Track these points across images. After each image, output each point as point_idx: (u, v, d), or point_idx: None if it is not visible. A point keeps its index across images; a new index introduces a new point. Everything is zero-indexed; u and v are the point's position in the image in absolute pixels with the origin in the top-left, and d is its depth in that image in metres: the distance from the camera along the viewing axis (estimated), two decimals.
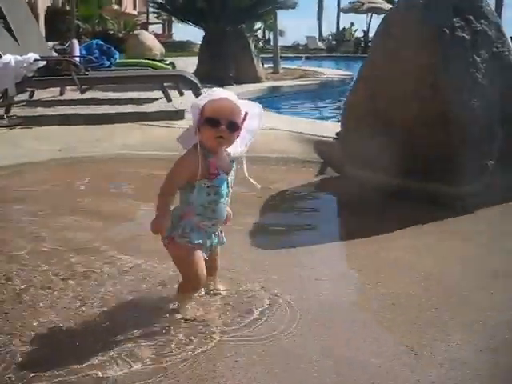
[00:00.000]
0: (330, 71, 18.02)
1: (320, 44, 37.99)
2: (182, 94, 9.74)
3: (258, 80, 14.20)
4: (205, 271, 2.80)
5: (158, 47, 16.88)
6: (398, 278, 3.42)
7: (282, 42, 32.52)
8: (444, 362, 2.50)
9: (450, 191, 4.75)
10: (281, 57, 18.76)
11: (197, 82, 9.20)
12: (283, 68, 18.10)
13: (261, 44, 28.64)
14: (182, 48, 28.52)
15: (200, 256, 2.78)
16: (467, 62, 4.98)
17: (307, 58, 26.44)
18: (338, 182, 5.52)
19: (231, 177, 2.80)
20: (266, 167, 5.72)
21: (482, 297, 3.19)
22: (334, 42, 36.36)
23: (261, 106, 2.84)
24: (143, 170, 5.90)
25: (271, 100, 12.36)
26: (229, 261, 3.30)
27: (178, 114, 8.22)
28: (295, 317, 2.86)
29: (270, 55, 18.43)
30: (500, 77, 5.13)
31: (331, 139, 6.10)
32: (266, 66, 16.21)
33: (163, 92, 9.10)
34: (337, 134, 5.83)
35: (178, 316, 2.81)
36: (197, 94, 8.28)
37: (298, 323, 2.81)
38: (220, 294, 3.06)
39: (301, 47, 36.94)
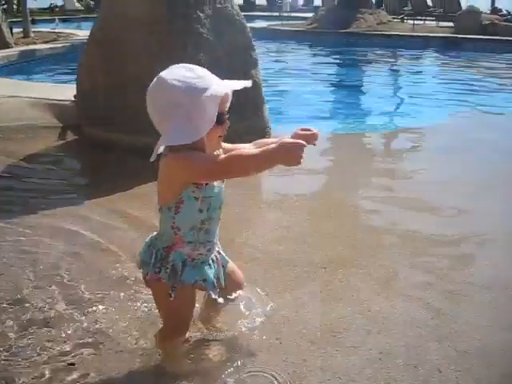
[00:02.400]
0: (84, 33, 17.38)
1: (77, 5, 36.35)
2: None
3: (6, 45, 13.27)
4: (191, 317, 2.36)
5: None
6: None
7: (38, 4, 30.62)
8: None
9: None
10: (34, 20, 17.57)
11: None
12: (36, 32, 17.03)
13: (15, 7, 26.61)
14: None
15: (193, 298, 2.30)
16: (191, 18, 5.17)
17: (65, 21, 25.19)
18: (77, 144, 5.44)
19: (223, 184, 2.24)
20: (4, 137, 5.44)
21: None
22: (92, 2, 34.99)
23: None
24: None
25: (20, 66, 11.65)
26: None
27: None
28: None
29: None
30: (225, 32, 5.42)
31: (69, 102, 5.94)
32: (16, 30, 15.24)
33: None
34: (74, 96, 5.71)
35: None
36: None
37: None
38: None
39: (57, 9, 34.98)
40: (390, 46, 16.70)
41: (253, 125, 5.38)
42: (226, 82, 2.08)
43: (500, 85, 10.75)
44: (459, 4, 22.16)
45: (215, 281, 2.24)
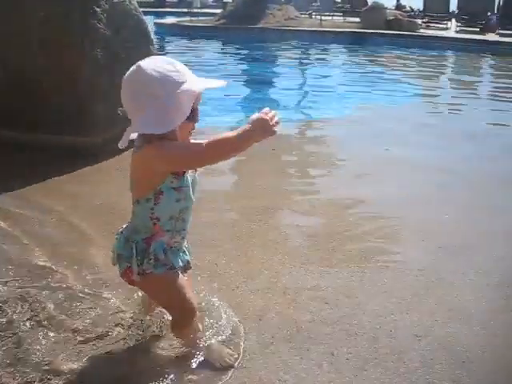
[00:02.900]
0: None
1: None
2: None
3: None
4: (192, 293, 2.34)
5: None
6: None
7: None
8: None
9: (86, 142, 4.82)
10: None
11: None
12: None
13: None
14: None
15: (183, 278, 2.28)
16: (88, 13, 5.00)
17: None
18: None
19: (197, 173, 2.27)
20: None
21: None
22: None
23: None
24: None
25: None
26: None
27: None
28: None
29: None
30: (122, 26, 5.29)
31: None
32: None
33: None
34: None
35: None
36: None
37: None
38: None
39: None
40: (299, 41, 16.95)
41: None
42: (202, 79, 2.11)
43: (403, 77, 11.15)
44: (365, 0, 22.77)
45: (183, 268, 2.33)
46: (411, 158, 5.35)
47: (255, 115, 2.02)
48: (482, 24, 19.32)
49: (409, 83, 10.52)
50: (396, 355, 2.42)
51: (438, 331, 2.60)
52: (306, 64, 14.06)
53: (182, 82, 2.02)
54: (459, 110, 8.20)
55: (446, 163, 5.24)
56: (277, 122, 2.03)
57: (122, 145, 2.11)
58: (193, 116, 2.09)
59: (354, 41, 16.94)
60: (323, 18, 21.58)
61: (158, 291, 2.26)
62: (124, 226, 2.28)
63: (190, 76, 2.08)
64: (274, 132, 2.02)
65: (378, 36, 17.43)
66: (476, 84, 11.58)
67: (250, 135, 2.01)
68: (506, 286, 3.05)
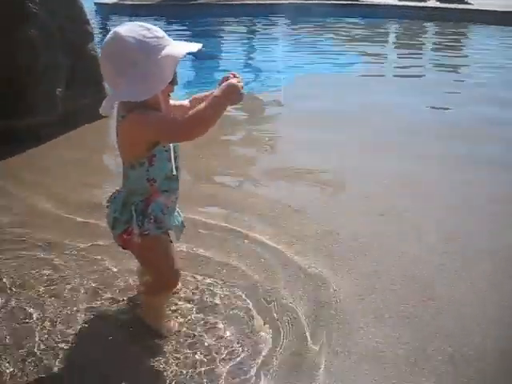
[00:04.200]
0: None
1: None
2: None
3: None
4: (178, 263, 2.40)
5: None
6: None
7: None
8: None
9: (23, 124, 4.81)
10: None
11: None
12: None
13: None
14: None
15: (172, 247, 2.36)
16: None
17: None
18: None
19: None
20: None
21: None
22: None
23: None
24: None
25: None
26: None
27: None
28: None
29: None
30: (57, 6, 5.26)
31: None
32: None
33: None
34: None
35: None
36: None
37: None
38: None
39: None
40: (241, 14, 16.88)
41: (95, 101, 5.28)
42: (182, 43, 2.12)
43: (348, 47, 11.33)
44: None
45: (179, 228, 2.44)
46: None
47: (224, 84, 2.07)
48: None
49: (353, 53, 10.72)
50: None
51: None
52: (248, 38, 14.07)
53: (162, 48, 2.03)
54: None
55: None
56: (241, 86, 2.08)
57: (103, 112, 2.13)
58: (175, 80, 2.13)
59: (296, 12, 16.96)
60: None
61: (151, 253, 2.29)
62: (116, 192, 2.34)
63: (169, 41, 2.08)
64: (241, 98, 2.08)
65: (319, 7, 17.49)
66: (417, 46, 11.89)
67: (220, 102, 2.06)
68: None
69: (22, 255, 3.01)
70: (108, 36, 2.05)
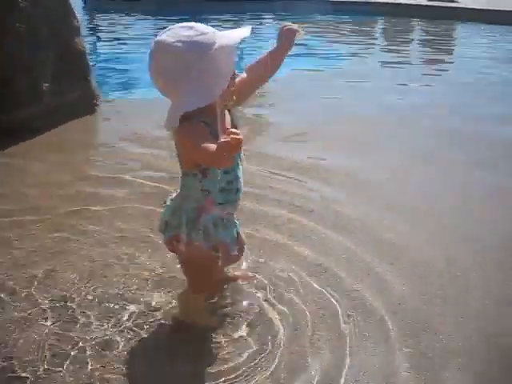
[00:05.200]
0: None
1: None
2: None
3: None
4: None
5: None
6: None
7: None
8: None
9: (9, 118, 4.72)
10: None
11: None
12: None
13: None
14: None
15: (217, 262, 2.20)
16: None
17: None
18: None
19: None
20: None
21: None
22: None
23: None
24: None
25: None
26: None
27: None
28: None
29: None
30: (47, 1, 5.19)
31: None
32: None
33: None
34: None
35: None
36: None
37: None
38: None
39: None
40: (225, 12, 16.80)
41: (81, 95, 5.29)
42: (232, 31, 2.00)
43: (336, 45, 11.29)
44: None
45: (235, 239, 2.25)
46: None
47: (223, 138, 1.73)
48: None
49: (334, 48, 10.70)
50: None
51: None
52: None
53: (212, 42, 1.91)
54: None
55: None
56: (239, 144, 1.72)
57: (168, 128, 1.98)
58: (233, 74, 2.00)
59: (271, 8, 16.77)
60: None
61: (195, 263, 2.19)
62: (173, 195, 2.26)
63: (218, 33, 1.96)
64: (229, 162, 1.82)
65: (308, 3, 17.36)
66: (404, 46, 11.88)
67: (220, 154, 1.72)
68: None
69: None
70: (152, 48, 1.94)
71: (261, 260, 2.91)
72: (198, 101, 1.89)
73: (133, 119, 5.38)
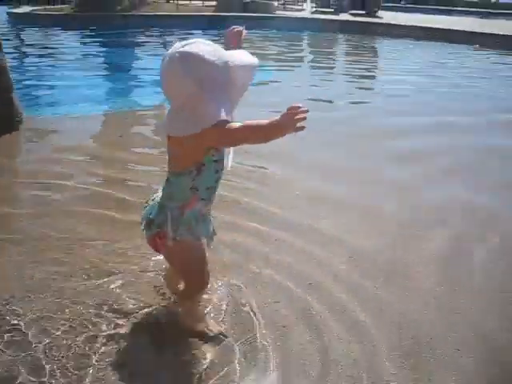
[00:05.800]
0: None
1: None
2: None
3: None
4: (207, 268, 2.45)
5: None
6: None
7: None
8: None
9: None
10: None
11: None
12: None
13: None
14: None
15: (204, 251, 2.37)
16: None
17: None
18: None
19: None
20: None
21: None
22: None
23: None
24: None
25: None
26: None
27: None
28: None
29: None
30: None
31: None
32: None
33: None
34: None
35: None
36: None
37: None
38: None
39: None
40: (159, 26, 16.84)
41: (2, 112, 5.17)
42: (237, 52, 2.19)
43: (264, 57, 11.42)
44: None
45: (211, 235, 2.43)
46: None
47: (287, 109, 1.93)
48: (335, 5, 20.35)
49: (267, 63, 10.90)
50: None
51: None
52: (164, 49, 13.96)
53: (229, 58, 2.06)
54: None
55: None
56: (303, 118, 1.90)
57: (182, 133, 2.09)
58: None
59: (211, 24, 17.06)
60: (180, 2, 21.51)
61: (183, 257, 2.32)
62: (156, 194, 2.37)
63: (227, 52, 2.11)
64: (298, 128, 1.92)
65: (234, 18, 17.68)
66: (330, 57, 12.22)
67: (277, 127, 1.93)
68: None
69: None
70: (168, 60, 2.01)
71: None
72: (221, 111, 1.99)
73: (55, 136, 5.36)
